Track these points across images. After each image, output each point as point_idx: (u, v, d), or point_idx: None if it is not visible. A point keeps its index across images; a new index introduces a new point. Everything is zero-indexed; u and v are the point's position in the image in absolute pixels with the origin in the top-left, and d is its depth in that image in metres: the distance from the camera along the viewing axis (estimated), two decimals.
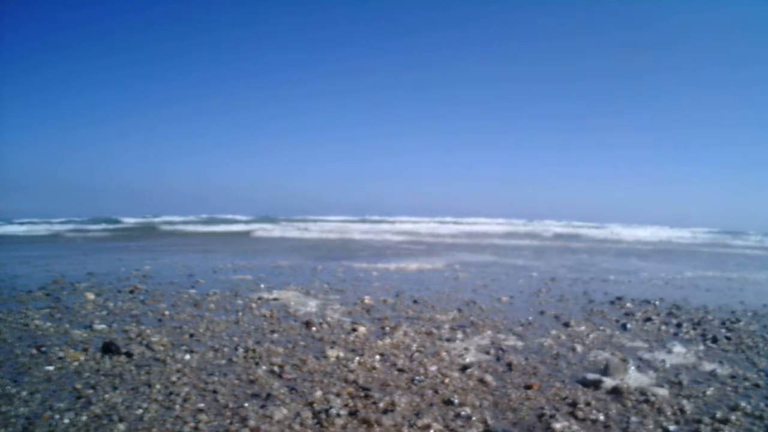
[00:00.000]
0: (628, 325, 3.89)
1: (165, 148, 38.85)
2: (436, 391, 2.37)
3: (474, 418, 2.08)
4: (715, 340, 3.49)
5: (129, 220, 20.96)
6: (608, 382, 2.49)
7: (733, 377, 2.72)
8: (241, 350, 2.92)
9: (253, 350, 2.92)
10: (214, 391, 2.28)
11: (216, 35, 40.37)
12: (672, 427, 2.05)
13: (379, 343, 3.18)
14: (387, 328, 3.55)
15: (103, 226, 18.51)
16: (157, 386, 2.30)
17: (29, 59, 31.93)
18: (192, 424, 1.93)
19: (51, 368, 2.51)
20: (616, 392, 2.41)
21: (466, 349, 3.08)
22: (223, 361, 2.75)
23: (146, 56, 38.88)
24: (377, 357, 2.88)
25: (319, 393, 2.28)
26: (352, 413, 2.07)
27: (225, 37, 40.05)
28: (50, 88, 35.36)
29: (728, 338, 3.55)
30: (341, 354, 2.90)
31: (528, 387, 2.48)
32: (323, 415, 2.04)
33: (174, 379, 2.41)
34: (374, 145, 42.76)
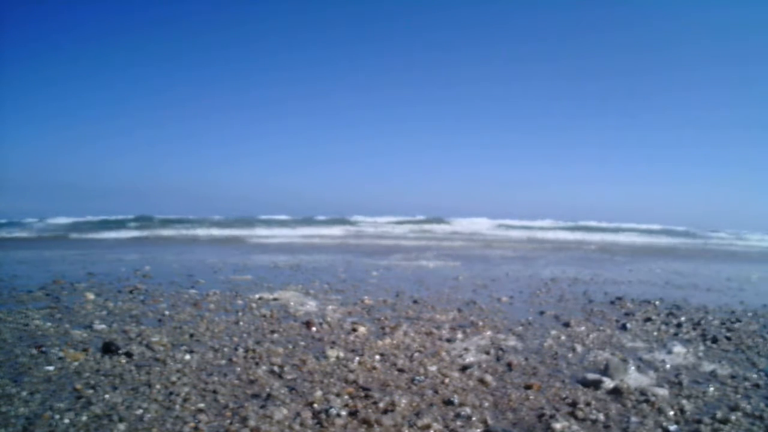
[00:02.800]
0: (628, 326, 3.89)
1: (162, 149, 38.70)
2: (436, 391, 2.37)
3: (474, 418, 2.08)
4: (715, 340, 3.49)
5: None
6: (608, 382, 2.49)
7: (733, 377, 2.72)
8: (241, 350, 2.92)
9: (253, 350, 2.92)
10: (214, 392, 2.29)
11: (215, 35, 40.25)
12: (672, 427, 2.05)
13: (379, 343, 3.18)
14: (387, 328, 3.55)
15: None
16: (157, 386, 2.30)
17: (28, 59, 31.84)
18: (192, 424, 1.94)
19: (51, 368, 2.51)
20: (616, 392, 2.42)
21: (466, 349, 3.08)
22: (223, 362, 2.75)
23: (145, 56, 38.76)
24: (377, 357, 2.88)
25: (319, 393, 2.28)
26: (352, 413, 2.07)
27: (224, 38, 39.93)
28: (48, 87, 35.23)
29: (728, 338, 3.55)
30: (341, 354, 2.90)
31: (528, 387, 2.48)
32: (323, 415, 2.04)
33: (174, 379, 2.41)
34: (373, 144, 42.68)
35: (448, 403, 2.23)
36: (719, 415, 2.15)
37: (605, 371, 2.62)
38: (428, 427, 1.98)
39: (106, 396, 2.17)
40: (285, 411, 2.06)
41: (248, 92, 40.63)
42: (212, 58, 40.00)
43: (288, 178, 39.24)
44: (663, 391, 2.41)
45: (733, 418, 2.13)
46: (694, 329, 3.83)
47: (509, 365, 2.81)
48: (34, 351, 2.77)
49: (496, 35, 40.28)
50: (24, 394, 2.17)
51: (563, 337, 3.50)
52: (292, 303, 4.41)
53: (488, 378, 2.56)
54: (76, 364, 2.60)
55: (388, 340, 3.23)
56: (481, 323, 3.82)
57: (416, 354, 2.97)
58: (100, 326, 3.37)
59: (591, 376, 2.57)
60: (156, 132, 39.81)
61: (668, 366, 2.91)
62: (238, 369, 2.62)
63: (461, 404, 2.22)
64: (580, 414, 2.15)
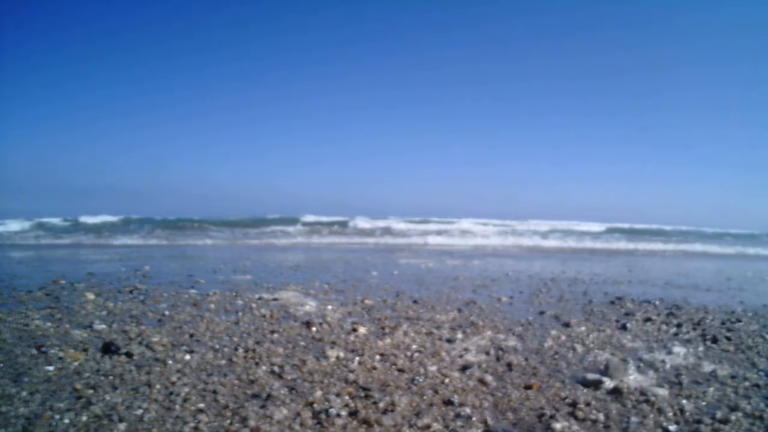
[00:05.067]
0: (628, 325, 3.89)
1: (162, 149, 38.61)
2: (436, 392, 2.37)
3: (474, 418, 2.08)
4: (715, 340, 3.49)
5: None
6: (608, 382, 2.49)
7: (733, 377, 2.72)
8: (241, 350, 2.92)
9: (253, 350, 2.92)
10: (214, 392, 2.28)
11: (215, 35, 40.22)
12: (672, 428, 2.05)
13: (379, 343, 3.18)
14: (387, 329, 3.55)
15: None
16: (157, 386, 2.30)
17: (28, 59, 31.79)
18: (192, 425, 1.94)
19: (51, 368, 2.51)
20: (616, 392, 2.42)
21: (466, 349, 3.08)
22: (223, 362, 2.75)
23: (144, 56, 38.70)
24: (377, 357, 2.88)
25: (319, 393, 2.28)
26: (352, 413, 2.07)
27: (224, 38, 39.91)
28: (47, 87, 35.15)
29: (728, 338, 3.55)
30: (341, 354, 2.90)
31: (528, 387, 2.48)
32: (323, 416, 2.04)
33: (174, 379, 2.41)
34: (373, 144, 42.63)
35: (448, 403, 2.23)
36: (719, 415, 2.15)
37: (605, 371, 2.62)
38: (428, 427, 1.98)
39: (106, 396, 2.16)
40: (285, 411, 2.06)
41: (247, 92, 40.60)
42: (213, 58, 39.91)
43: (288, 179, 39.21)
44: (663, 391, 2.41)
45: (733, 418, 2.13)
46: (694, 329, 3.83)
47: (509, 365, 2.81)
48: (34, 351, 2.77)
49: (494, 35, 40.21)
50: (24, 394, 2.16)
51: (563, 337, 3.50)
52: (292, 303, 4.41)
53: (488, 378, 2.56)
54: (76, 364, 2.59)
55: (388, 340, 3.23)
56: (481, 323, 3.82)
57: (416, 354, 2.97)
58: (100, 326, 3.37)
59: (591, 376, 2.57)
60: (155, 132, 39.72)
61: (668, 366, 2.91)
62: (238, 369, 2.62)
63: (461, 404, 2.22)
64: (580, 414, 2.15)
